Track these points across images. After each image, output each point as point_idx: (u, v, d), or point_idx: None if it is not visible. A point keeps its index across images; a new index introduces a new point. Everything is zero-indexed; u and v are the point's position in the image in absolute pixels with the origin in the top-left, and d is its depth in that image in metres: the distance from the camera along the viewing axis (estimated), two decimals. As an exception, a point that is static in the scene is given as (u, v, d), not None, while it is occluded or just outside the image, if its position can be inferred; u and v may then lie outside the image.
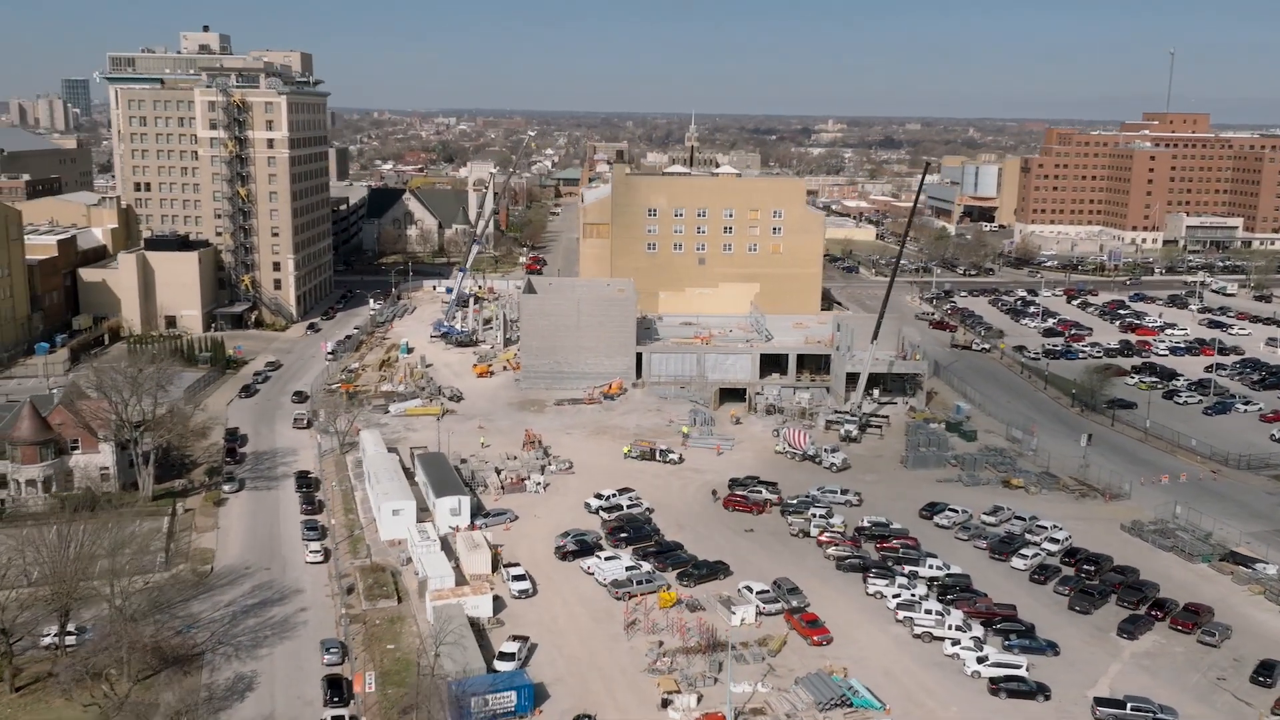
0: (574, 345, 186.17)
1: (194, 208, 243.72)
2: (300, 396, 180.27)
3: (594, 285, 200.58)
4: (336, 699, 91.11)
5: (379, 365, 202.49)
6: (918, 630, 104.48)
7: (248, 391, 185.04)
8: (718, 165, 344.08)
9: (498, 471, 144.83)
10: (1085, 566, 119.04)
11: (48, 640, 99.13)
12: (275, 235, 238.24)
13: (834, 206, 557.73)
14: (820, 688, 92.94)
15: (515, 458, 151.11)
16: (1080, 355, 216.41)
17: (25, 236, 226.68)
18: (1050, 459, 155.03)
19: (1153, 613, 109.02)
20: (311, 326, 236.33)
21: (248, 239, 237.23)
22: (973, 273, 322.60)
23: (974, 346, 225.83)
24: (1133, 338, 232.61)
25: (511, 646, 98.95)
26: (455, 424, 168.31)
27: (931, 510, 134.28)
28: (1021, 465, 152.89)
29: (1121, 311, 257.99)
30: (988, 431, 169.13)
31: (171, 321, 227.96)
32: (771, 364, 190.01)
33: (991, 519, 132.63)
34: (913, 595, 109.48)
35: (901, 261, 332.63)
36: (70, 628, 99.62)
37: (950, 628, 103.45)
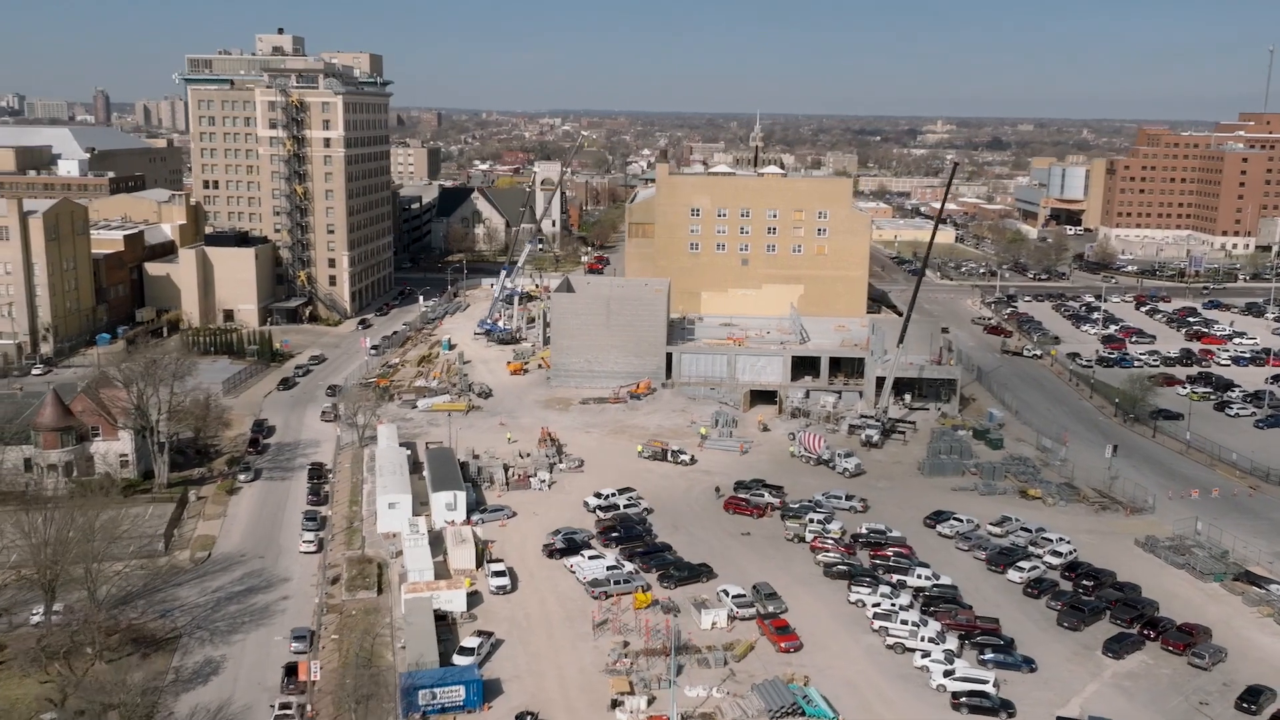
0: (604, 344, 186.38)
1: (255, 205, 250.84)
2: (333, 390, 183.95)
3: (629, 284, 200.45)
4: (292, 687, 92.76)
5: (418, 361, 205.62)
6: (891, 641, 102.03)
7: (286, 384, 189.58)
8: (782, 166, 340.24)
9: (506, 468, 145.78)
10: (1084, 581, 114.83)
11: (36, 619, 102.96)
12: (331, 232, 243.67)
13: (922, 209, 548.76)
14: (773, 694, 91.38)
15: (528, 455, 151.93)
16: (1135, 363, 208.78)
17: (95, 232, 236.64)
18: (1076, 470, 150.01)
19: (1145, 632, 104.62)
20: (363, 322, 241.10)
21: (304, 236, 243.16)
22: (1043, 277, 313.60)
23: (1025, 352, 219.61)
24: (1196, 346, 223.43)
25: (473, 641, 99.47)
26: (479, 420, 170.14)
27: (936, 519, 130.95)
28: (1045, 475, 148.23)
29: (1191, 319, 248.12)
30: (1018, 440, 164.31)
31: (229, 315, 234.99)
32: (806, 366, 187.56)
33: (997, 529, 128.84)
34: (892, 605, 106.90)
35: (970, 265, 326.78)
36: (57, 608, 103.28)
37: (923, 639, 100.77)
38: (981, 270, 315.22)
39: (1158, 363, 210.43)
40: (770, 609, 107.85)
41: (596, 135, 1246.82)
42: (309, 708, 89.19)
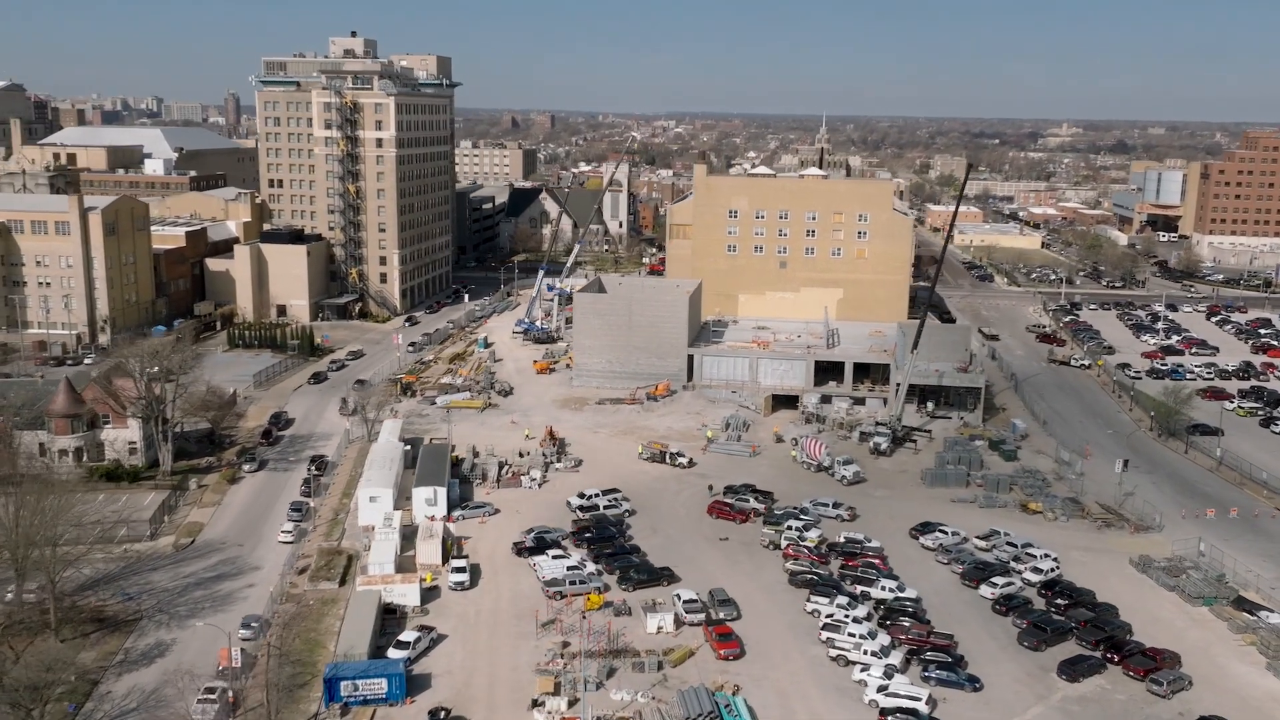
0: (625, 345, 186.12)
1: (314, 203, 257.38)
2: (360, 385, 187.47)
3: (658, 285, 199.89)
4: (234, 672, 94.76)
5: (450, 359, 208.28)
6: (834, 653, 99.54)
7: (318, 378, 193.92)
8: (848, 169, 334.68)
9: (500, 466, 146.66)
10: (1058, 600, 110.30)
11: (9, 598, 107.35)
12: (382, 231, 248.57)
13: (1020, 214, 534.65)
14: (694, 702, 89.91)
15: (526, 454, 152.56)
16: (1188, 376, 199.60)
17: (159, 228, 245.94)
18: (1092, 485, 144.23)
19: (1108, 655, 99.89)
20: (410, 319, 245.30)
21: (357, 234, 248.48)
22: (1117, 285, 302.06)
23: (1072, 362, 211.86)
24: (1259, 359, 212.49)
25: (410, 636, 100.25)
26: (492, 417, 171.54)
27: (923, 530, 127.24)
28: (1055, 490, 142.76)
29: (1263, 331, 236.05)
30: (1038, 452, 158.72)
31: (282, 310, 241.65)
32: (832, 372, 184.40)
33: (983, 543, 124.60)
34: (846, 616, 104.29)
35: (1043, 271, 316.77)
36: (31, 588, 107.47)
37: (868, 653, 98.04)
38: (1053, 277, 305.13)
39: (1211, 375, 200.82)
40: (721, 615, 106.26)
41: (707, 138, 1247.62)
42: (230, 694, 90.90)
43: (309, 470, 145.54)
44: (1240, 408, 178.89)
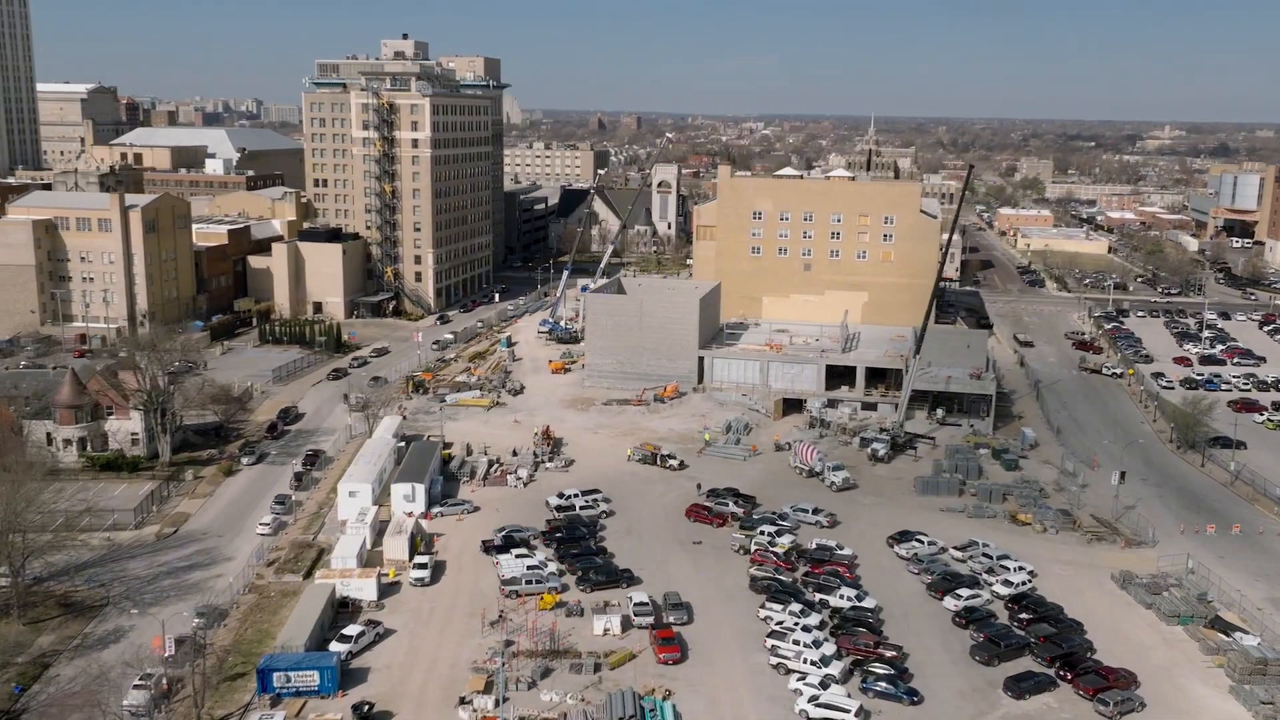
0: (636, 346, 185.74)
1: (351, 202, 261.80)
2: (376, 381, 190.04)
3: (671, 287, 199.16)
4: (170, 660, 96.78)
5: (470, 357, 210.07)
6: (774, 660, 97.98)
7: (337, 374, 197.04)
8: (896, 170, 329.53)
9: (490, 464, 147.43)
10: (1021, 615, 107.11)
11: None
12: (417, 230, 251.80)
13: (1098, 218, 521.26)
14: (618, 705, 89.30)
15: (517, 452, 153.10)
16: (1223, 386, 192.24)
17: (202, 226, 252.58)
18: (1091, 497, 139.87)
19: (1061, 672, 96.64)
20: (442, 318, 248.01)
21: (393, 233, 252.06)
22: (1174, 292, 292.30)
23: (1104, 370, 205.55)
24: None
25: (354, 630, 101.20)
26: (499, 416, 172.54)
27: (900, 538, 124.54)
28: (1053, 501, 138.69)
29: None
30: (1044, 462, 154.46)
31: (318, 307, 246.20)
32: (847, 376, 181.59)
33: (959, 554, 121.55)
34: (796, 624, 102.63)
35: (1097, 276, 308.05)
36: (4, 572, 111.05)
37: (806, 661, 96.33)
38: (1107, 282, 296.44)
39: (1249, 386, 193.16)
40: (670, 619, 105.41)
41: (794, 139, 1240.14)
42: (164, 681, 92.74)
43: (303, 464, 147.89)
44: (1270, 420, 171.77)
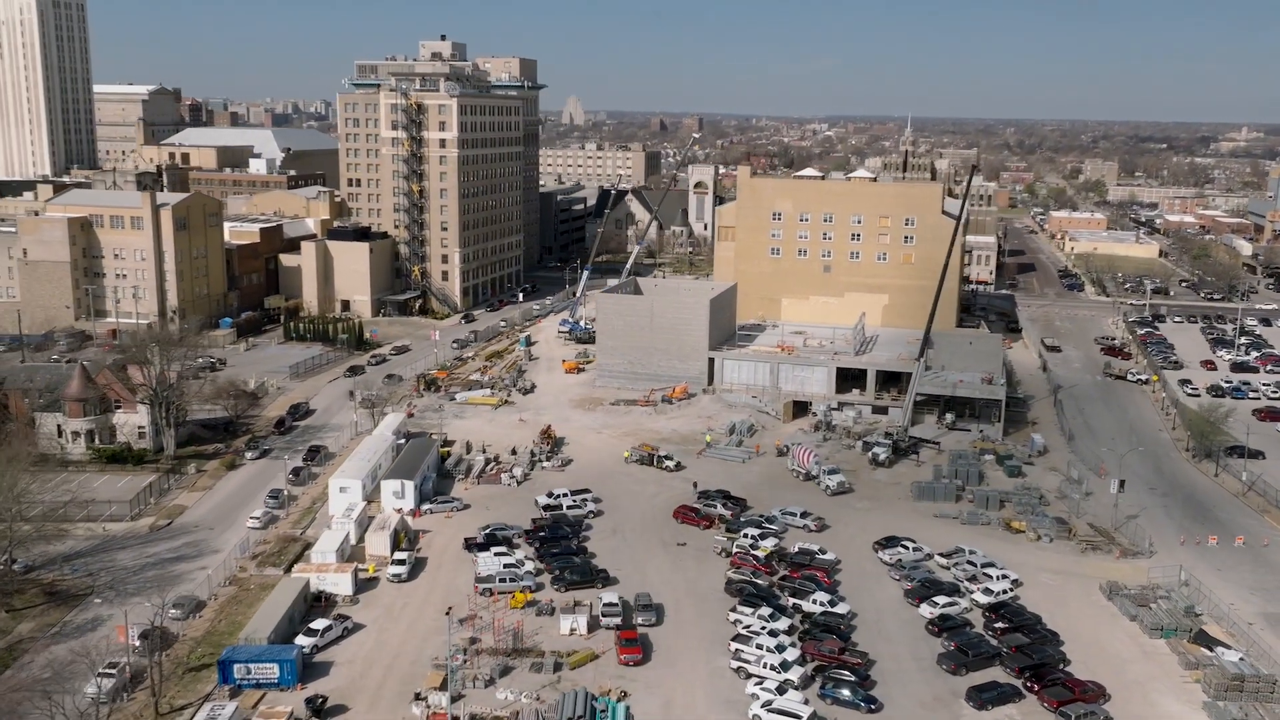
0: (647, 346, 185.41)
1: (380, 201, 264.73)
2: (390, 379, 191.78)
3: (683, 288, 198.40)
4: (136, 649, 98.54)
5: (487, 356, 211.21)
6: (735, 664, 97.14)
7: (354, 372, 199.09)
8: (933, 171, 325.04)
9: (486, 462, 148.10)
10: (996, 624, 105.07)
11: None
12: (444, 229, 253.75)
13: (1157, 221, 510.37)
14: (569, 705, 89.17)
15: (514, 451, 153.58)
16: (1251, 394, 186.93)
17: (236, 224, 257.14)
18: (1094, 505, 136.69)
19: (1029, 684, 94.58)
20: (466, 317, 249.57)
21: (420, 232, 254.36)
22: (1217, 297, 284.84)
23: (1129, 376, 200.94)
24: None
25: (321, 624, 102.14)
26: (506, 415, 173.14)
27: (886, 544, 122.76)
28: (1048, 509, 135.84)
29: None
30: (1051, 469, 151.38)
31: (346, 305, 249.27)
32: (860, 379, 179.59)
33: (945, 561, 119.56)
34: (763, 628, 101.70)
35: (1139, 280, 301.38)
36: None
37: (766, 666, 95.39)
38: (1148, 286, 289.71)
39: (1278, 395, 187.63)
40: (639, 620, 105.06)
41: (856, 140, 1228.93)
42: (128, 670, 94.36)
43: (302, 460, 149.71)
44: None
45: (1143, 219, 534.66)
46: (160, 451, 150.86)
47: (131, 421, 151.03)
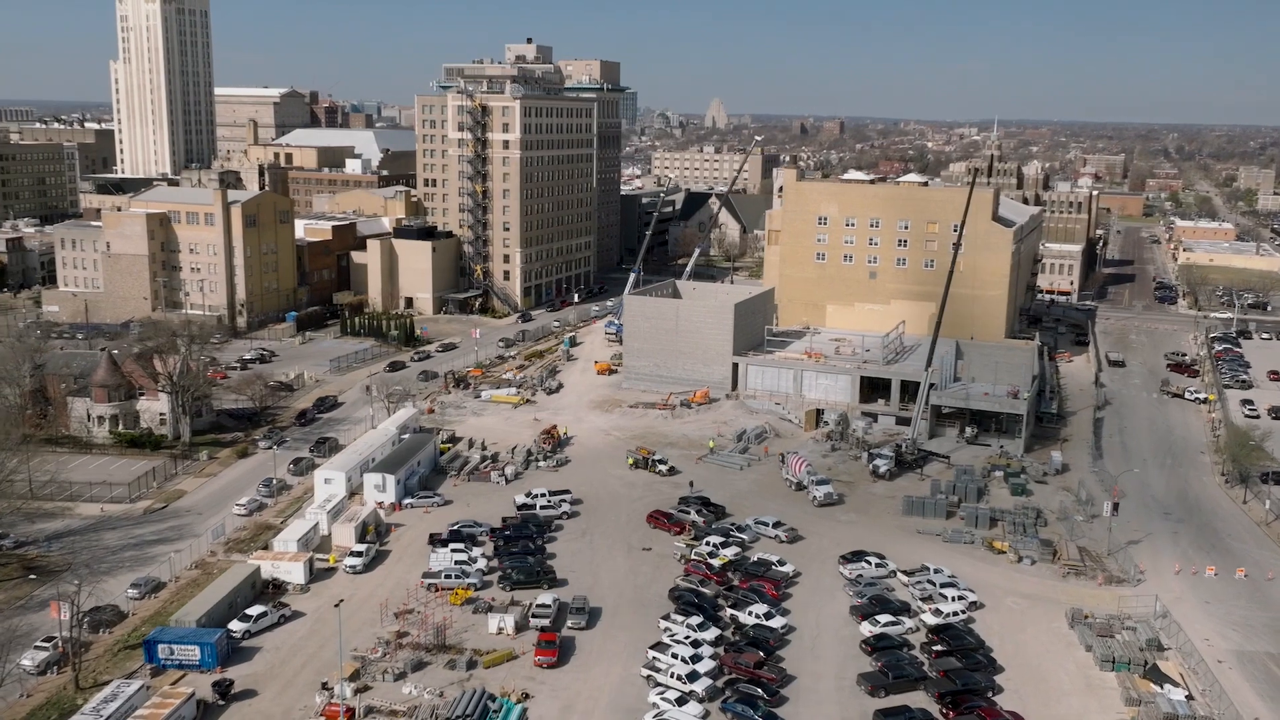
0: (672, 350, 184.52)
1: (445, 200, 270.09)
2: (425, 376, 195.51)
3: (710, 291, 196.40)
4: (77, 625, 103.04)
5: (528, 355, 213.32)
6: (645, 672, 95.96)
7: (394, 367, 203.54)
8: (1019, 177, 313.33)
9: (483, 459, 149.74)
10: (935, 646, 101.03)
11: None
12: (506, 229, 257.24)
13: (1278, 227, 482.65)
14: (462, 702, 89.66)
15: (512, 450, 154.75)
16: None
17: (310, 221, 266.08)
18: (1098, 529, 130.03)
19: (945, 711, 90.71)
20: (524, 316, 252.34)
21: (484, 232, 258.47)
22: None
23: (1186, 395, 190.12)
24: None
25: (256, 610, 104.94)
26: (524, 414, 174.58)
27: (853, 558, 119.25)
28: (1045, 531, 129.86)
29: None
30: (1063, 489, 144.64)
31: (409, 302, 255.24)
32: (885, 389, 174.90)
33: (906, 578, 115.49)
34: (687, 638, 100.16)
35: (1239, 294, 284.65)
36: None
37: (673, 676, 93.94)
38: (1243, 300, 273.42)
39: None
40: (570, 622, 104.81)
41: (1002, 146, 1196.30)
42: (60, 645, 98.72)
43: (309, 450, 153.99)
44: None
45: (1277, 227, 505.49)
46: (179, 438, 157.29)
47: (153, 408, 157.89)
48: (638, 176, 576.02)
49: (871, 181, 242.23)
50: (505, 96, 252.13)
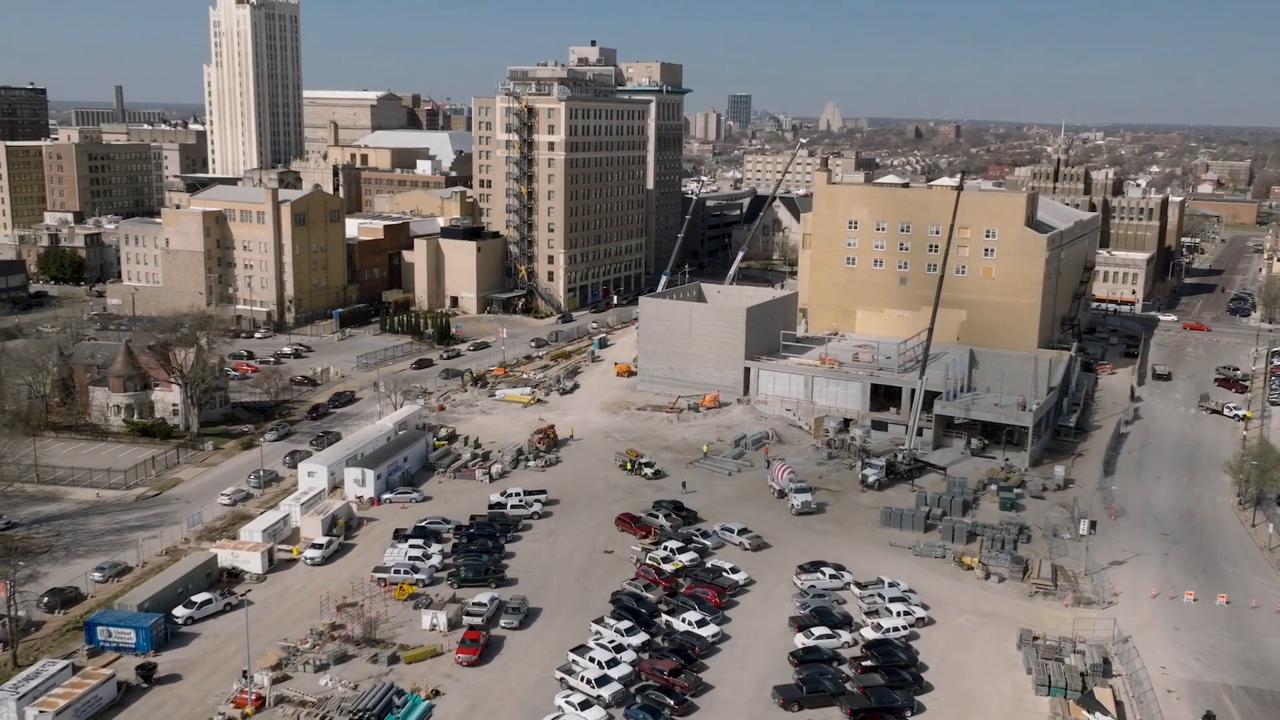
0: (686, 353, 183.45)
1: (489, 201, 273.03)
2: (447, 375, 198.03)
3: (725, 294, 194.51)
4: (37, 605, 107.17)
5: (554, 355, 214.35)
6: (559, 675, 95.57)
7: (421, 364, 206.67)
8: (1087, 182, 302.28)
9: (473, 457, 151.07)
10: (864, 661, 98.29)
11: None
12: (551, 231, 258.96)
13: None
14: (368, 696, 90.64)
15: (502, 449, 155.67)
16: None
17: (363, 220, 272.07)
18: (1082, 548, 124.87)
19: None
20: (564, 317, 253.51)
21: (529, 233, 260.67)
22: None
23: (1225, 411, 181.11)
24: None
25: (201, 597, 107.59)
26: (532, 413, 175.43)
27: (811, 568, 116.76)
28: (1027, 548, 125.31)
29: None
30: (1060, 505, 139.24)
31: (454, 301, 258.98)
32: (898, 396, 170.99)
33: (860, 591, 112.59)
34: (610, 642, 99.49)
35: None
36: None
37: (583, 679, 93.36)
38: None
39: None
40: (503, 622, 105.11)
41: (1125, 151, 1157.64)
42: (7, 624, 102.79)
43: (310, 444, 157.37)
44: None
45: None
46: (189, 429, 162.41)
47: (167, 399, 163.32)
48: (724, 179, 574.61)
49: (904, 185, 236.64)
50: (551, 98, 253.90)
